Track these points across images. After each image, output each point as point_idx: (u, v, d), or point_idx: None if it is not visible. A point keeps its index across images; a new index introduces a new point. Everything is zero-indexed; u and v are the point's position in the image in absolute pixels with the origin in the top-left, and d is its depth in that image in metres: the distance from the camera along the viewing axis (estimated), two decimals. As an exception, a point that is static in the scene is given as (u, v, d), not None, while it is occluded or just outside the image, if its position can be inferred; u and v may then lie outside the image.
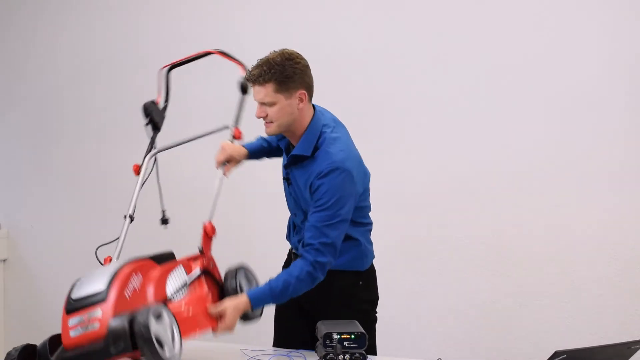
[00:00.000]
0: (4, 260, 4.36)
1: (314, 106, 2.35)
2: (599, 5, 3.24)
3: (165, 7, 4.07)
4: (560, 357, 1.68)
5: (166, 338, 1.85)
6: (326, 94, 3.55)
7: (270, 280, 2.23)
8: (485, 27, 3.40)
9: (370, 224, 2.48)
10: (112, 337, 1.80)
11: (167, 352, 1.83)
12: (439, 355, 2.79)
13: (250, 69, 2.23)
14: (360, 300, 2.45)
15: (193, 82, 3.96)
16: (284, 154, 2.43)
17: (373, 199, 3.45)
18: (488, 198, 3.40)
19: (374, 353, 2.42)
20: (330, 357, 2.09)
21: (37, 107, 4.44)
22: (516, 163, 3.35)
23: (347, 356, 2.09)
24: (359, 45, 3.61)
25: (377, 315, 2.50)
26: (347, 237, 2.34)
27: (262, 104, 2.23)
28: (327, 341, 2.11)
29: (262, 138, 2.58)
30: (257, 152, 2.55)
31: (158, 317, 1.85)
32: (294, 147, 2.33)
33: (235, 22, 3.87)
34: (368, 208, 2.46)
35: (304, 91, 2.24)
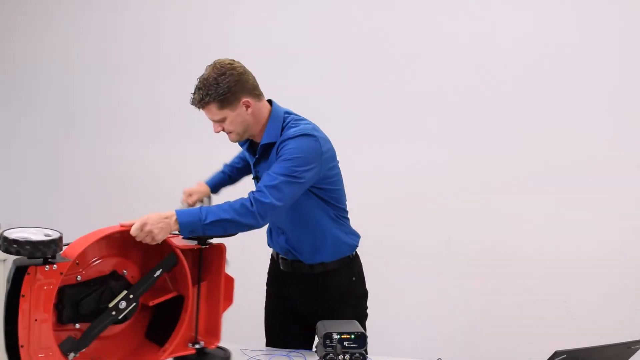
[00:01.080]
0: (4, 261, 4.35)
1: (269, 100, 2.36)
2: (601, 5, 3.23)
3: (175, 8, 4.07)
4: (560, 357, 1.68)
5: (34, 235, 1.87)
6: (326, 94, 3.58)
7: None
8: (487, 27, 3.40)
9: (347, 211, 2.48)
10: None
11: (34, 237, 1.84)
12: (439, 355, 2.78)
13: (192, 93, 2.24)
14: (356, 295, 2.48)
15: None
16: (248, 155, 2.44)
17: (373, 200, 3.46)
18: (488, 198, 3.40)
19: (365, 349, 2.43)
20: (330, 357, 2.09)
21: (37, 107, 4.43)
22: (516, 163, 3.35)
23: (347, 356, 2.09)
24: (360, 45, 3.61)
25: (367, 311, 2.52)
26: (327, 228, 2.37)
27: (215, 121, 2.27)
28: (327, 341, 2.10)
29: (224, 165, 2.67)
30: (218, 184, 2.64)
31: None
32: (257, 143, 2.35)
33: (237, 23, 3.87)
34: (342, 192, 2.45)
35: (246, 98, 2.24)
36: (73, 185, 4.34)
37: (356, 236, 2.50)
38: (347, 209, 2.48)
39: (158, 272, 2.08)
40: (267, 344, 2.55)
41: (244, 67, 2.27)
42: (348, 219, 2.48)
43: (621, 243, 3.21)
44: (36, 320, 1.86)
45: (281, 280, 2.51)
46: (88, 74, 4.26)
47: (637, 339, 1.83)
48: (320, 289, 2.41)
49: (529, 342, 3.32)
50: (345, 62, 3.63)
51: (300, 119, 2.34)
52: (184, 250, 2.15)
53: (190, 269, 2.17)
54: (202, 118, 3.99)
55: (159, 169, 4.06)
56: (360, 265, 2.52)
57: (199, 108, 2.25)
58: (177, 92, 4.03)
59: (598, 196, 3.24)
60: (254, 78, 2.29)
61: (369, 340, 2.14)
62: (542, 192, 3.32)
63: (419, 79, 3.51)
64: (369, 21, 3.60)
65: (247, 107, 2.24)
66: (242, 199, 2.14)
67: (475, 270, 3.43)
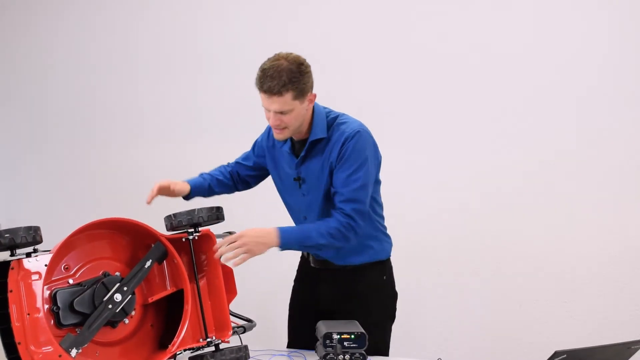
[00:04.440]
0: (4, 261, 4.36)
1: None
2: (602, 4, 3.23)
3: (167, 8, 4.07)
4: (560, 357, 1.68)
5: None
6: (330, 96, 3.57)
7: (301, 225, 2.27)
8: (485, 28, 3.40)
9: (383, 217, 2.50)
10: None
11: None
12: (439, 355, 2.79)
13: (261, 80, 2.18)
14: (385, 295, 2.49)
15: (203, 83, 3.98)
16: (288, 156, 2.40)
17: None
18: (488, 198, 3.40)
19: (387, 352, 2.43)
20: (330, 357, 2.09)
21: (38, 107, 4.44)
22: (516, 163, 3.35)
23: (347, 356, 2.09)
24: (366, 47, 3.62)
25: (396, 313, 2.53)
26: (368, 233, 2.37)
27: (279, 112, 2.21)
28: (327, 341, 2.11)
29: (204, 174, 2.57)
30: (197, 190, 2.51)
31: None
32: (300, 141, 2.34)
33: (233, 23, 3.88)
34: (379, 191, 2.47)
35: (313, 93, 2.27)
36: (75, 186, 4.34)
37: (389, 243, 2.50)
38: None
39: (148, 263, 2.10)
40: (289, 339, 2.55)
41: None
42: (383, 217, 2.49)
43: (621, 243, 3.20)
44: (29, 314, 1.86)
45: (311, 277, 2.50)
46: (92, 74, 4.27)
47: (637, 339, 1.82)
48: (351, 286, 2.41)
49: (529, 342, 3.31)
50: (348, 66, 3.64)
51: (343, 114, 2.36)
52: (172, 240, 2.16)
53: (185, 263, 2.18)
54: (208, 119, 3.98)
55: (160, 170, 4.06)
56: (391, 266, 2.53)
57: (271, 95, 2.17)
58: (181, 94, 4.05)
59: (598, 196, 3.23)
60: None
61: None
62: (543, 193, 3.32)
63: (423, 82, 3.51)
64: (377, 21, 3.61)
65: (311, 102, 2.27)
66: (336, 223, 2.22)
67: (475, 271, 3.43)
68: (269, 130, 2.44)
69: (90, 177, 4.29)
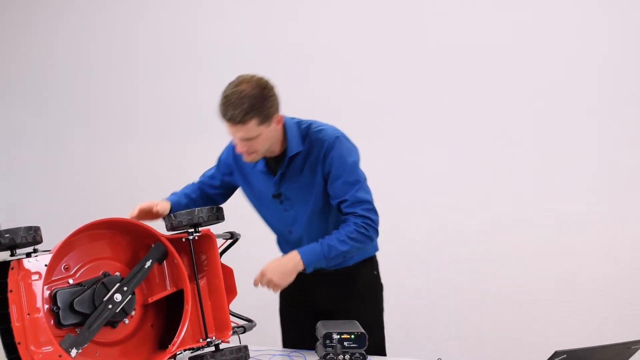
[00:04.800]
0: (4, 261, 4.36)
1: None
2: (602, 4, 3.23)
3: (167, 8, 4.07)
4: (560, 357, 1.68)
5: None
6: (330, 96, 3.58)
7: (319, 240, 2.23)
8: (486, 28, 3.40)
9: None
10: None
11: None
12: (439, 355, 2.79)
13: (224, 108, 2.10)
14: (377, 289, 2.49)
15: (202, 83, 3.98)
16: (264, 174, 2.35)
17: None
18: (488, 198, 3.40)
19: (384, 348, 2.44)
20: (330, 357, 2.09)
21: (38, 107, 4.44)
22: (516, 163, 3.35)
23: (347, 356, 2.09)
24: (366, 47, 3.62)
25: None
26: None
27: (245, 139, 2.15)
28: (327, 341, 2.10)
29: (175, 194, 2.50)
30: (176, 209, 2.41)
31: None
32: (274, 158, 2.30)
33: (233, 23, 3.88)
34: None
35: (280, 114, 2.21)
36: (75, 186, 4.34)
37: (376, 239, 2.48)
38: None
39: (148, 263, 2.10)
40: (284, 344, 2.54)
41: None
42: None
43: (621, 243, 3.20)
44: (29, 314, 1.86)
45: (300, 282, 2.42)
46: (92, 74, 4.27)
47: (637, 339, 1.82)
48: (346, 286, 2.40)
49: (529, 342, 3.31)
50: (344, 65, 3.64)
51: (313, 121, 2.32)
52: (172, 241, 2.16)
53: (185, 263, 2.18)
54: (208, 119, 3.98)
55: (161, 170, 4.07)
56: (377, 260, 2.52)
57: (235, 124, 2.10)
58: (181, 94, 4.05)
59: (598, 196, 3.23)
60: None
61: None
62: (543, 193, 3.32)
63: (423, 82, 3.51)
64: (377, 20, 3.61)
65: (278, 123, 2.20)
66: (353, 225, 2.21)
67: (475, 270, 3.42)
68: (234, 147, 2.33)
69: (90, 177, 4.29)
